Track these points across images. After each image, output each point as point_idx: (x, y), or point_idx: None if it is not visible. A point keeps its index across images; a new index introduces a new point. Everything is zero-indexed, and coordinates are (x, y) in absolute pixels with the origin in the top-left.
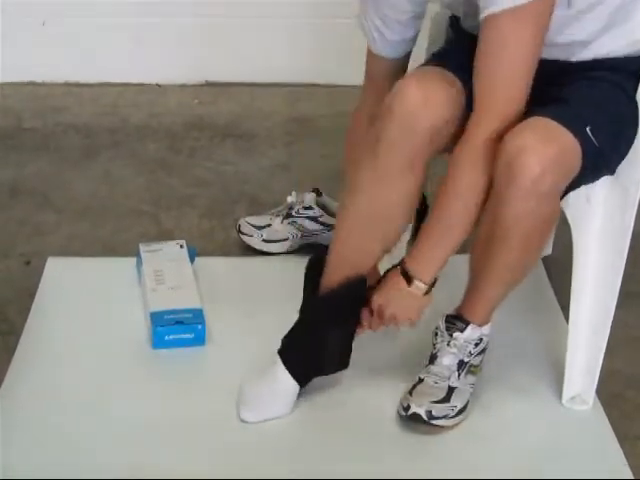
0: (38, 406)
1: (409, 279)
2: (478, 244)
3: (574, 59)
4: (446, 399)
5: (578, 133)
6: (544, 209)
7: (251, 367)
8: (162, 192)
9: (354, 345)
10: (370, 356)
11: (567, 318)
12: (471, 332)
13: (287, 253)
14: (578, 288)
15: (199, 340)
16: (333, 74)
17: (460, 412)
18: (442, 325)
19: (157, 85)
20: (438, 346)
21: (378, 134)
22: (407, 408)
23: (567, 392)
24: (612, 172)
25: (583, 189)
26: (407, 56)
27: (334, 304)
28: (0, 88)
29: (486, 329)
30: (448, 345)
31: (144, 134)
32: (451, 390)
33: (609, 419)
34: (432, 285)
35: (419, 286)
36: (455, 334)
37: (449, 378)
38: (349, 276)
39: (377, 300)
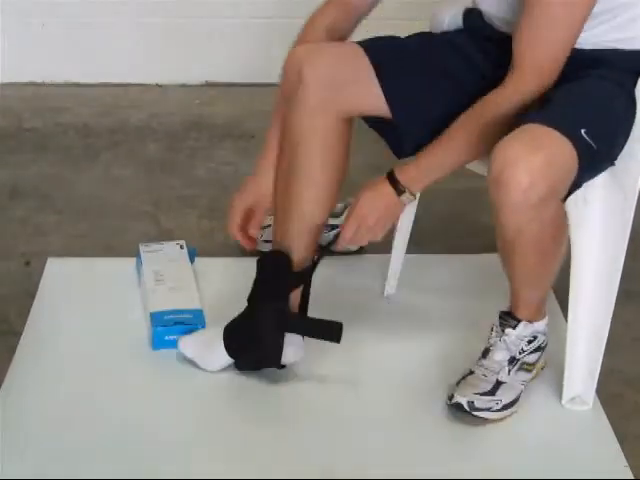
0: (38, 406)
1: (399, 190)
2: (500, 250)
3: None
4: (491, 392)
5: (572, 136)
6: (544, 215)
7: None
8: (162, 192)
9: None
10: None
11: (567, 318)
12: (523, 329)
13: None
14: (577, 288)
15: None
16: None
17: (506, 407)
18: (497, 321)
19: (157, 85)
20: (491, 341)
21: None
22: (451, 397)
23: (567, 393)
24: (613, 163)
25: (581, 190)
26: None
27: (260, 275)
28: (0, 88)
29: (540, 325)
30: (500, 341)
31: (144, 134)
32: (499, 384)
33: (609, 419)
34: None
35: (408, 197)
36: (507, 330)
37: (499, 372)
38: (278, 243)
39: (361, 211)
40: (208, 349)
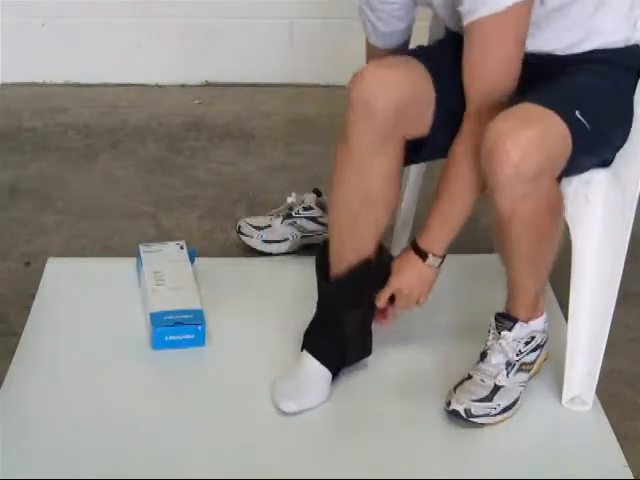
0: (38, 407)
1: (423, 255)
2: (496, 238)
3: (566, 52)
4: (488, 398)
5: (565, 115)
6: (537, 192)
7: (251, 368)
8: (162, 193)
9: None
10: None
11: (567, 318)
12: (519, 330)
13: (287, 254)
14: (578, 288)
15: (199, 341)
16: (333, 74)
17: (505, 410)
18: (493, 323)
19: (157, 85)
20: (489, 344)
21: (344, 122)
22: (449, 404)
23: (567, 393)
24: (612, 156)
25: (582, 188)
26: (405, 44)
27: (344, 289)
28: (0, 88)
29: (536, 324)
30: (497, 344)
31: (144, 134)
32: (497, 389)
33: (609, 419)
34: (443, 259)
35: (433, 260)
36: (503, 333)
37: (496, 377)
38: (352, 262)
39: (394, 283)
40: (308, 390)
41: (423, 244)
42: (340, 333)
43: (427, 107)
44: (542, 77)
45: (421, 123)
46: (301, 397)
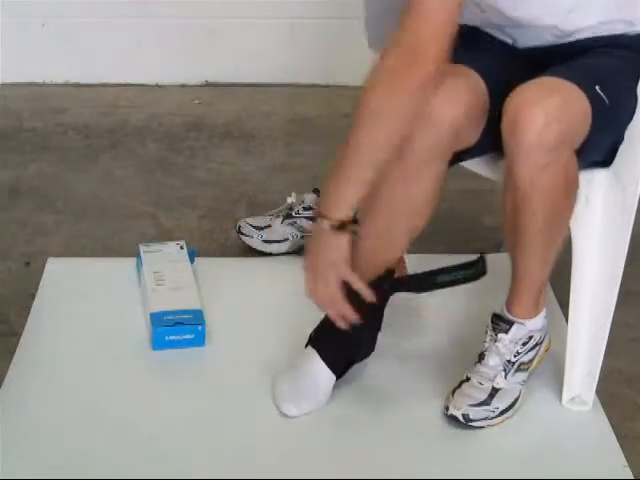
0: (38, 407)
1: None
2: (507, 223)
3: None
4: (486, 402)
5: (586, 88)
6: (557, 163)
7: (251, 368)
8: (162, 193)
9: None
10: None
11: (567, 318)
12: (516, 331)
13: (287, 254)
14: (578, 288)
15: (199, 341)
16: (333, 74)
17: (503, 412)
18: (490, 324)
19: (157, 85)
20: (486, 345)
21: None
22: (447, 408)
23: (567, 393)
24: (622, 132)
25: (582, 189)
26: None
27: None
28: (0, 88)
29: (534, 324)
30: (494, 346)
31: (144, 135)
32: (495, 391)
33: (609, 419)
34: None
35: (325, 223)
36: (500, 335)
37: (494, 379)
38: (377, 268)
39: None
40: (311, 394)
41: (323, 210)
42: (353, 340)
43: (482, 119)
44: (562, 60)
45: (475, 135)
46: (303, 401)
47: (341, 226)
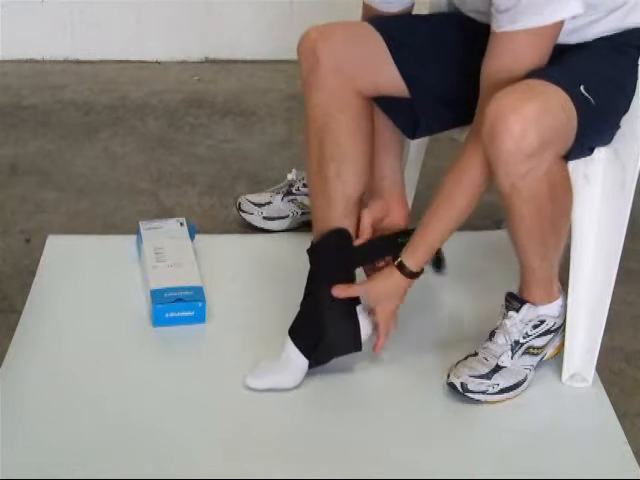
0: (38, 385)
1: (414, 276)
2: (506, 222)
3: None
4: (487, 376)
5: (569, 89)
6: (539, 169)
7: (251, 345)
8: (162, 169)
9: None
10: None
11: (566, 295)
12: (527, 312)
13: (287, 230)
14: (577, 265)
15: (199, 318)
16: None
17: (504, 391)
18: (504, 303)
19: (157, 62)
20: (498, 323)
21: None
22: (448, 376)
23: (567, 370)
24: (617, 126)
25: (581, 167)
26: (407, 10)
27: (312, 263)
28: (0, 66)
29: (547, 309)
30: (504, 323)
31: (144, 111)
32: (498, 368)
33: (609, 396)
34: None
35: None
36: (510, 313)
37: (500, 357)
38: (321, 232)
39: (366, 286)
40: (278, 371)
41: (413, 264)
42: (319, 315)
43: (381, 67)
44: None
45: (378, 82)
46: (267, 377)
47: (416, 275)
